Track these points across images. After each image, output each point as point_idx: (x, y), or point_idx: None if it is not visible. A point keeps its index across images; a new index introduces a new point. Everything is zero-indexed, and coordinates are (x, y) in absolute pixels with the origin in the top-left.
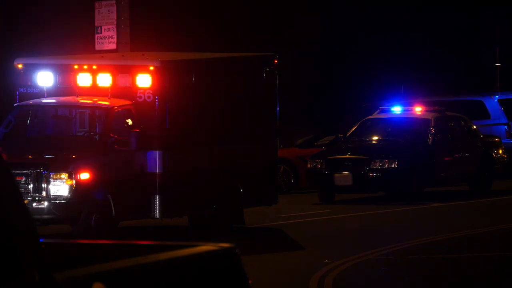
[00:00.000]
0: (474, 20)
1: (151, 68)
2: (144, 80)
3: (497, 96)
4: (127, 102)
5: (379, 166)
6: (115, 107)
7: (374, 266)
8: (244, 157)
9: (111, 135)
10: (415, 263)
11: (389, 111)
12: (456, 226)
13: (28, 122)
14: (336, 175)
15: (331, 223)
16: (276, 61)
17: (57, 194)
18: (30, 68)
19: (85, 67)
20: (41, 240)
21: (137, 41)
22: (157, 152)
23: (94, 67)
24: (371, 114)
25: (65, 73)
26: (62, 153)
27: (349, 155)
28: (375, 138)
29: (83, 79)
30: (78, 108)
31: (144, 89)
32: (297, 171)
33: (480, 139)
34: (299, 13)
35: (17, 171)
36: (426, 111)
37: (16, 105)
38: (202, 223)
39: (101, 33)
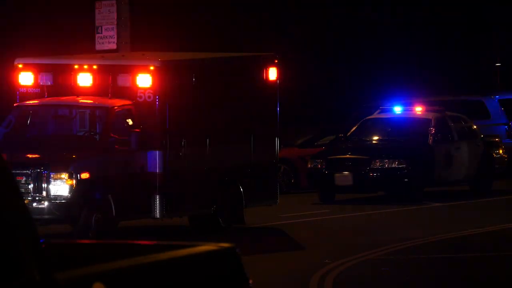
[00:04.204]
0: (475, 19)
1: (152, 68)
2: (144, 80)
3: (497, 96)
4: (128, 102)
5: (380, 166)
6: (115, 107)
7: (374, 266)
8: (244, 157)
9: (111, 135)
10: (415, 263)
11: (389, 111)
12: (456, 226)
13: (28, 122)
14: (337, 175)
15: (331, 223)
16: (276, 61)
17: (57, 194)
18: (31, 68)
19: (86, 67)
20: (41, 240)
21: (137, 41)
22: (157, 152)
23: (95, 67)
24: (371, 114)
25: (65, 73)
26: (62, 153)
27: (350, 155)
28: (375, 138)
29: (84, 79)
30: (78, 108)
31: (145, 89)
32: (297, 171)
33: (480, 139)
34: (300, 13)
35: (17, 171)
36: (427, 111)
37: (16, 105)
38: (202, 223)
39: (101, 33)
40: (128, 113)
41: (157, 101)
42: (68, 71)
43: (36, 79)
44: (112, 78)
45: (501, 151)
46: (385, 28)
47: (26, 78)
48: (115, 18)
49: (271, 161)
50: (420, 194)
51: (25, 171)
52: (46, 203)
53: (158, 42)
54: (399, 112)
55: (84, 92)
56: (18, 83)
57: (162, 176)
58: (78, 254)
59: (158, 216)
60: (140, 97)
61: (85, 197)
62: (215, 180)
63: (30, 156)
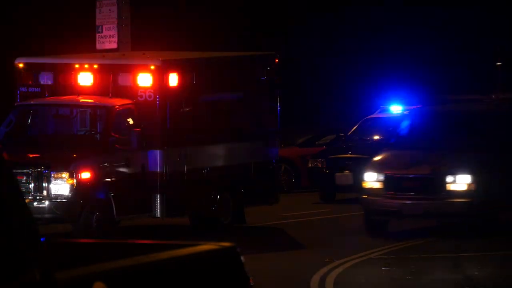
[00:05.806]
0: (475, 19)
1: (152, 67)
2: (145, 79)
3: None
4: (128, 101)
5: None
6: (116, 106)
7: (375, 266)
8: (245, 156)
9: (112, 134)
10: (415, 263)
11: (390, 110)
12: (456, 226)
13: (29, 121)
14: (337, 174)
15: (331, 222)
16: (277, 60)
17: (58, 193)
18: (31, 68)
19: (86, 66)
20: (42, 239)
21: (138, 41)
22: (158, 151)
23: (95, 66)
24: (371, 114)
25: (66, 72)
26: (63, 153)
27: (350, 154)
28: (376, 137)
29: (84, 78)
30: (79, 107)
31: (145, 88)
32: (298, 171)
33: None
34: (300, 12)
35: (18, 170)
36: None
37: (17, 105)
38: (203, 222)
39: (102, 32)
40: (128, 113)
41: (158, 101)
42: (68, 71)
43: (36, 78)
44: (112, 77)
45: None
46: (385, 27)
47: (26, 78)
48: (116, 17)
49: (271, 160)
50: None
51: (25, 171)
52: (46, 203)
53: (158, 42)
54: (400, 112)
55: (85, 91)
56: (18, 82)
57: (162, 175)
58: (78, 253)
59: (159, 215)
60: (141, 96)
61: (85, 196)
62: (216, 179)
63: (30, 155)
